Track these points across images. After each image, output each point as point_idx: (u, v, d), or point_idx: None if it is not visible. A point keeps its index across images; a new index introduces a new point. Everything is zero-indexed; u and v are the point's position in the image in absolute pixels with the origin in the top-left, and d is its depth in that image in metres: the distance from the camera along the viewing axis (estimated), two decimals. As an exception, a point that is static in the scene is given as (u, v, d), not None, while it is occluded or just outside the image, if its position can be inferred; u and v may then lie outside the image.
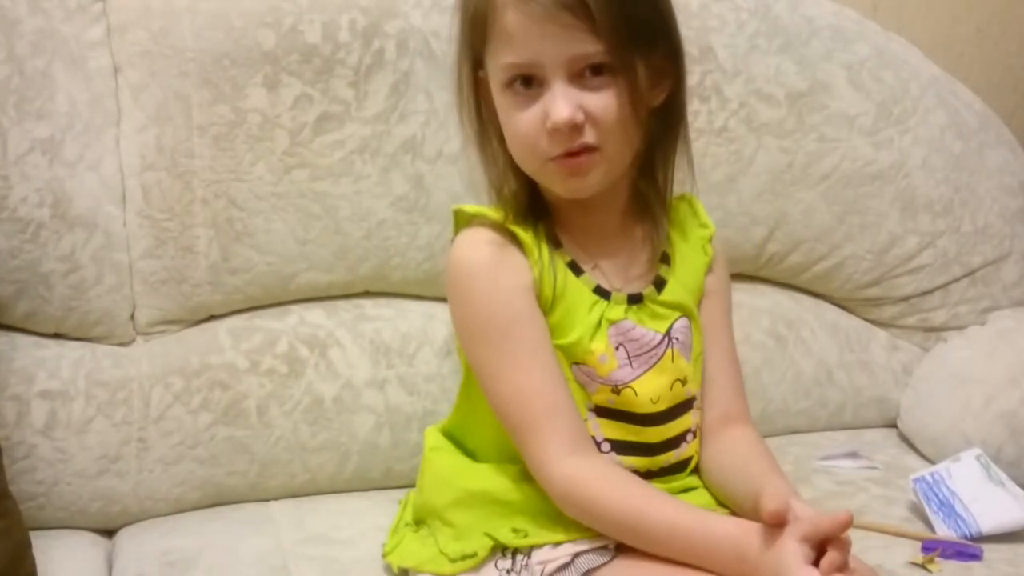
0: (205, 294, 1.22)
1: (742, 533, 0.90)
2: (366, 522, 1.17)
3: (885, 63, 1.43)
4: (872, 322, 1.47)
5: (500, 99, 0.98)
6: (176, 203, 1.19)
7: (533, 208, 1.02)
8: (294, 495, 1.23)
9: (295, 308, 1.26)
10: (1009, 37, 1.71)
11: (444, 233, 1.27)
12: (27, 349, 1.17)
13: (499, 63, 0.96)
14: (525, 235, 1.00)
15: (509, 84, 0.97)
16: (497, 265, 0.99)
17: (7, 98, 1.14)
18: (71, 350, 1.19)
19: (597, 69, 0.95)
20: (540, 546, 0.97)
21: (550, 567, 0.95)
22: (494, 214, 1.01)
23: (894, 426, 1.43)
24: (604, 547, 0.95)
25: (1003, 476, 1.18)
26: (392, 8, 1.25)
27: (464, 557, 0.99)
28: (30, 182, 1.14)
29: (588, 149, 0.96)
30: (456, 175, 1.27)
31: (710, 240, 1.11)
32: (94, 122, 1.18)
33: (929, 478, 1.19)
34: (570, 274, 1.01)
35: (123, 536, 1.17)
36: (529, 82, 0.96)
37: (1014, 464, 1.25)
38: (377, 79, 1.24)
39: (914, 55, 1.47)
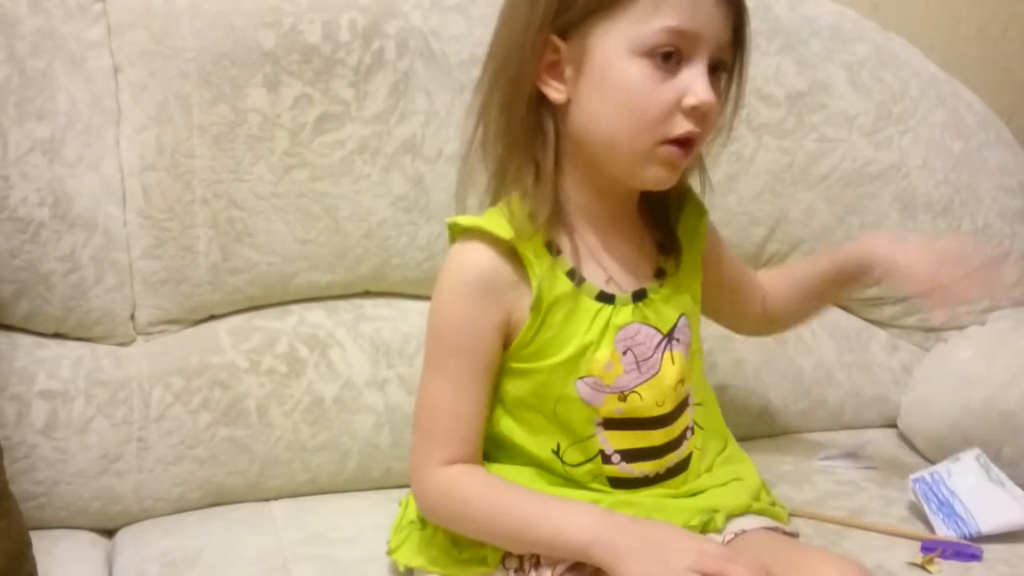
0: (205, 294, 1.22)
1: (600, 517, 0.93)
2: (366, 522, 1.17)
3: (885, 63, 1.43)
4: (872, 322, 1.47)
5: (626, 68, 0.92)
6: (176, 203, 1.19)
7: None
8: (294, 495, 1.23)
9: (295, 308, 1.27)
10: (1009, 37, 1.71)
11: (444, 233, 1.26)
12: (27, 349, 1.17)
13: (654, 27, 0.91)
14: (527, 250, 0.97)
15: (651, 53, 0.92)
16: (483, 294, 0.97)
17: (7, 98, 1.14)
18: (71, 350, 1.19)
19: (715, 67, 0.95)
20: None
21: (560, 568, 0.95)
22: (501, 231, 0.96)
23: (894, 426, 1.43)
24: None
25: (1003, 476, 1.18)
26: (392, 8, 1.25)
27: (474, 560, 0.99)
28: (30, 182, 1.14)
29: (693, 143, 0.95)
30: (456, 175, 1.27)
31: (703, 219, 1.09)
32: (94, 122, 1.18)
33: (928, 478, 1.19)
34: (571, 284, 0.99)
35: (123, 536, 1.17)
36: (669, 57, 0.92)
37: (1014, 464, 1.24)
38: (377, 79, 1.24)
39: (914, 55, 1.48)
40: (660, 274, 1.04)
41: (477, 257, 0.98)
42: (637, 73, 0.92)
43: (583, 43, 0.94)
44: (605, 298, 1.00)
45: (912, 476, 1.20)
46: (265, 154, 1.21)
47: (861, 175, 1.41)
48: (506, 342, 0.99)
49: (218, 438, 1.20)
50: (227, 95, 1.20)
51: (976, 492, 1.16)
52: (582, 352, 0.98)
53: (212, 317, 1.25)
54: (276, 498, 1.23)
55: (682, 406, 1.04)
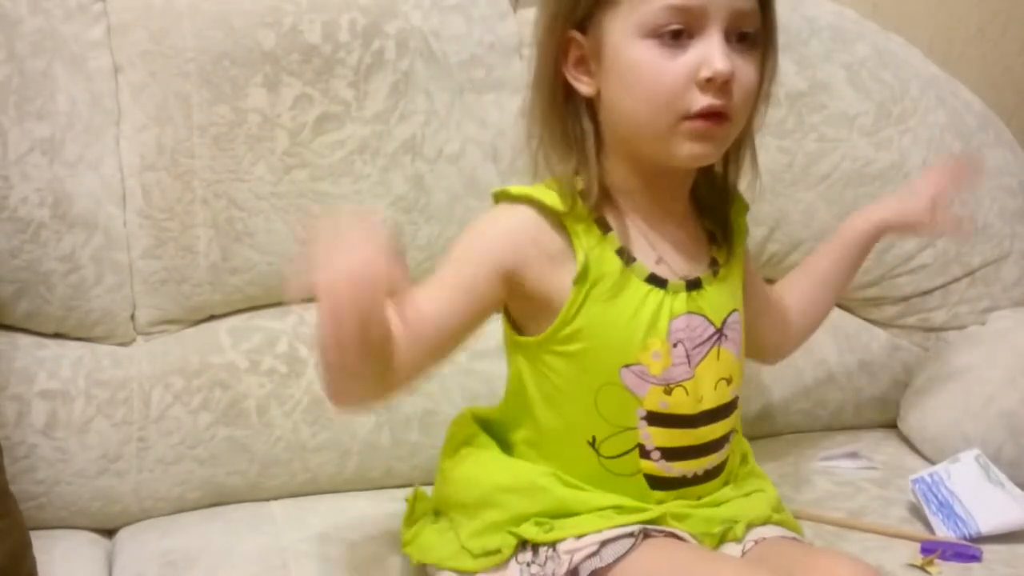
0: (205, 294, 1.22)
1: None
2: (366, 522, 1.17)
3: (885, 63, 1.43)
4: (872, 322, 1.46)
5: (633, 51, 0.93)
6: (176, 203, 1.20)
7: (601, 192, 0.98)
8: (294, 495, 1.23)
9: (295, 308, 1.26)
10: (1009, 37, 1.71)
11: (444, 233, 1.27)
12: (27, 349, 1.17)
13: (652, 6, 0.92)
14: (575, 224, 0.96)
15: (656, 32, 0.92)
16: (509, 238, 0.96)
17: (7, 98, 1.14)
18: (71, 350, 1.19)
19: (743, 36, 0.94)
20: (563, 538, 0.95)
21: (578, 556, 0.94)
22: (552, 201, 0.96)
23: (894, 426, 1.43)
24: (629, 534, 0.94)
25: (1002, 477, 1.18)
26: (392, 8, 1.25)
27: (487, 553, 0.98)
28: (30, 182, 1.15)
29: (725, 115, 0.94)
30: (456, 175, 1.27)
31: (744, 215, 1.09)
32: (94, 122, 1.18)
33: (928, 479, 1.19)
34: (620, 263, 0.98)
35: (123, 536, 1.17)
36: (678, 35, 0.92)
37: (1014, 464, 1.24)
38: (377, 79, 1.24)
39: (914, 55, 1.47)
40: (714, 264, 1.03)
41: (523, 215, 0.97)
42: (644, 54, 0.93)
43: (598, 34, 0.95)
44: (656, 281, 0.98)
45: (912, 477, 1.20)
46: (265, 154, 1.21)
47: (861, 175, 1.41)
48: (539, 319, 0.98)
49: (218, 438, 1.20)
50: (227, 95, 1.20)
51: (976, 492, 1.16)
52: (630, 337, 0.97)
53: (212, 317, 1.25)
54: (276, 498, 1.23)
55: (728, 408, 1.02)
